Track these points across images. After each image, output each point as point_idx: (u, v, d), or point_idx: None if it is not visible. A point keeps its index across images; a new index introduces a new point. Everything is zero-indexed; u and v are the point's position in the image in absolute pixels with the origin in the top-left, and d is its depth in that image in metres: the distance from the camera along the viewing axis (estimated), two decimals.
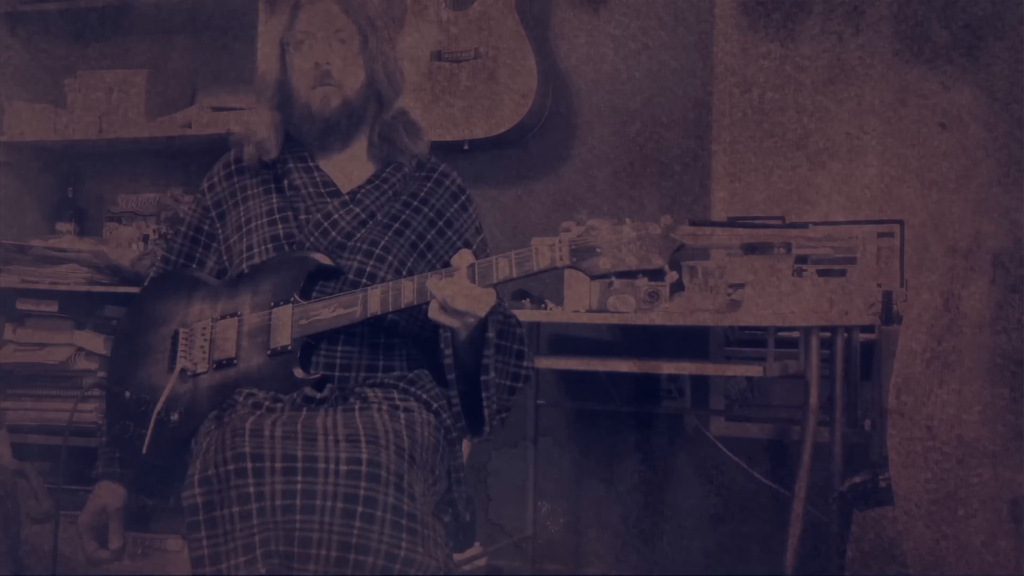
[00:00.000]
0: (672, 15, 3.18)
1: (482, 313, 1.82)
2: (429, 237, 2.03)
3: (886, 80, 2.95)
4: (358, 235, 1.99)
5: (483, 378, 1.89)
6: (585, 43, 3.27)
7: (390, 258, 1.97)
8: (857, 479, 2.65)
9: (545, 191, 3.30)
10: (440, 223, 2.05)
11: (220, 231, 2.07)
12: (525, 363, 1.95)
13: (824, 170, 3.00)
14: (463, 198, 2.10)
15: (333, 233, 1.98)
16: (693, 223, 2.96)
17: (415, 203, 2.05)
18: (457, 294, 1.79)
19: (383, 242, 1.98)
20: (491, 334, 1.88)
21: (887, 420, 2.64)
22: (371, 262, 1.96)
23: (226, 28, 3.52)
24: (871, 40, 2.97)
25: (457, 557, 2.86)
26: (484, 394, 1.89)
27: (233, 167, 2.11)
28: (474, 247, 2.02)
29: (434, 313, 1.82)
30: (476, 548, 3.02)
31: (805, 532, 2.63)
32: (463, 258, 1.83)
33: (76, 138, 3.45)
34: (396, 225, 2.01)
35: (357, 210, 2.00)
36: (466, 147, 3.18)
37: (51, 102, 3.53)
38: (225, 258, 2.04)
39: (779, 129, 3.05)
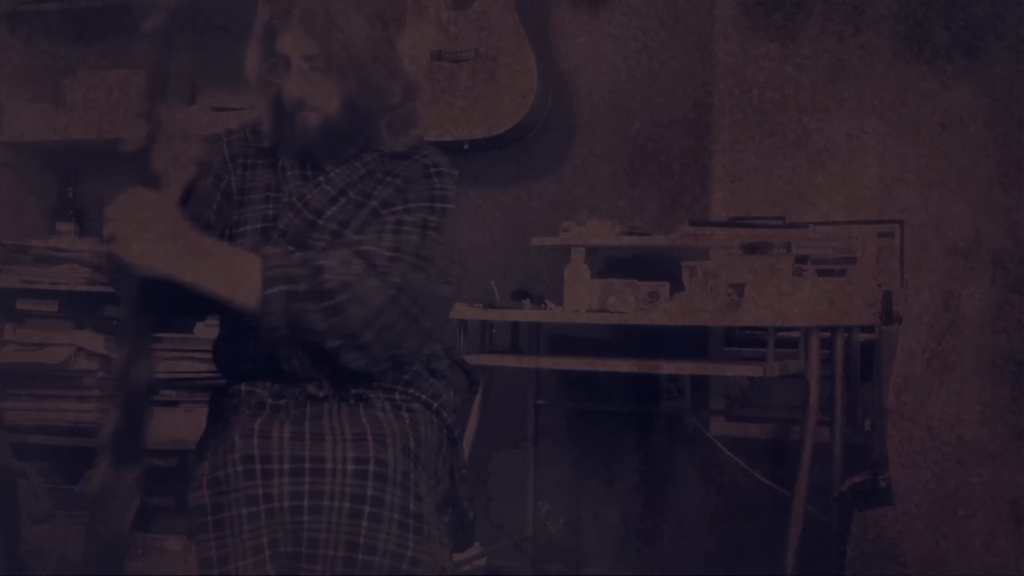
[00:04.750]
0: (672, 15, 3.18)
1: None
2: (388, 199, 1.96)
3: (886, 80, 2.95)
4: (328, 213, 1.95)
5: None
6: (585, 43, 3.27)
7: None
8: (857, 479, 2.66)
9: (545, 191, 3.30)
10: (404, 188, 1.97)
11: (233, 181, 2.05)
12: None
13: (824, 170, 3.00)
14: (433, 170, 1.99)
15: (305, 212, 1.95)
16: (693, 223, 2.96)
17: (387, 179, 1.98)
18: None
19: (353, 223, 1.94)
20: None
21: (887, 420, 2.65)
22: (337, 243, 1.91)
23: (226, 28, 3.51)
24: (871, 40, 2.97)
25: (457, 557, 2.86)
26: None
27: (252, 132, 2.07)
28: (409, 206, 1.93)
29: None
30: (476, 548, 3.02)
31: (805, 532, 2.63)
32: None
33: (76, 138, 3.44)
34: (368, 202, 1.96)
35: (327, 187, 1.96)
36: (466, 147, 3.17)
37: (51, 102, 3.53)
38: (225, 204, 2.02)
39: (779, 129, 3.05)
